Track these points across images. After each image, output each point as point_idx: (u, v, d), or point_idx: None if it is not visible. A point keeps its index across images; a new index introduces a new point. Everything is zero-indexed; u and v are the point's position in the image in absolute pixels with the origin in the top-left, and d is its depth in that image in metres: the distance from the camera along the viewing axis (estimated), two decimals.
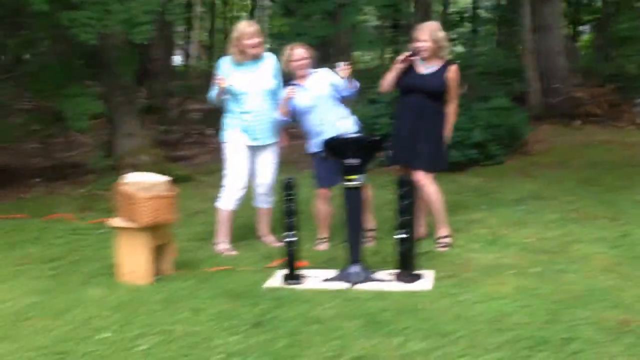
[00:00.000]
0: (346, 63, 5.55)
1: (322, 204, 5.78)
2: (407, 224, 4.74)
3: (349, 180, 4.81)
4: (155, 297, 4.63)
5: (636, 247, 5.48)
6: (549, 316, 4.17)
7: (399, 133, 5.76)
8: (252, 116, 5.71)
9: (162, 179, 4.92)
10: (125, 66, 8.44)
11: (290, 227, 4.82)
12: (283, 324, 4.13)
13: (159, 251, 5.05)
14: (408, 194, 4.73)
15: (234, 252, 5.72)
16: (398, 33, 16.29)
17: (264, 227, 6.07)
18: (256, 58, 5.73)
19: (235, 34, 5.69)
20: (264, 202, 5.95)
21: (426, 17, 15.81)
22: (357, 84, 5.70)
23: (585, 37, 21.25)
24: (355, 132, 5.51)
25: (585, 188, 7.81)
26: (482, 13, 16.79)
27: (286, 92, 5.58)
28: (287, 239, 4.83)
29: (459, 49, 15.30)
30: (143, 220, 4.76)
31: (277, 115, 5.70)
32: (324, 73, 5.69)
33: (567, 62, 12.56)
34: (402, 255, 4.79)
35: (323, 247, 5.79)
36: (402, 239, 4.76)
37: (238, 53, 5.69)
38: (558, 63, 12.34)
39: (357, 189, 4.84)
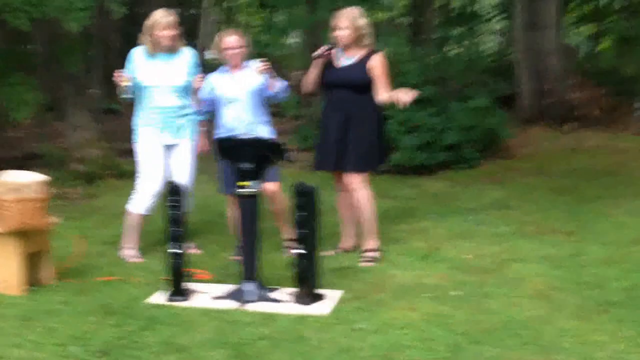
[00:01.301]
0: (263, 60, 4.99)
1: (234, 211, 5.22)
2: (305, 238, 4.16)
3: (242, 187, 4.23)
4: (15, 312, 4.10)
5: (582, 269, 4.86)
6: (448, 353, 3.58)
7: (325, 134, 5.19)
8: (162, 112, 5.17)
9: (35, 179, 4.38)
10: (69, 56, 7.92)
11: (175, 238, 4.26)
12: (135, 353, 3.58)
13: (34, 259, 4.52)
14: (306, 204, 4.15)
15: (139, 259, 5.19)
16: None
17: None
18: (171, 51, 5.18)
19: (149, 22, 5.13)
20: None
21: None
22: (284, 84, 5.13)
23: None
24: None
25: (555, 198, 7.18)
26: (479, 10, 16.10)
27: (196, 79, 5.02)
28: (172, 251, 4.27)
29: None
30: (8, 225, 4.22)
31: (192, 106, 5.17)
32: (254, 67, 5.09)
33: (561, 63, 11.83)
34: (299, 274, 4.22)
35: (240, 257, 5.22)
36: (299, 254, 4.18)
37: (150, 43, 5.14)
38: (551, 63, 11.63)
39: (251, 196, 4.26)
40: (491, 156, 9.28)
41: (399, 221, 6.24)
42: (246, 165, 4.20)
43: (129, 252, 5.24)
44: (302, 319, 4.00)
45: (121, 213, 6.47)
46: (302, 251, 4.15)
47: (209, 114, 5.25)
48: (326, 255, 5.20)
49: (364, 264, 5.02)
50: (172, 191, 4.26)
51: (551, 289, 4.47)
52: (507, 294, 4.38)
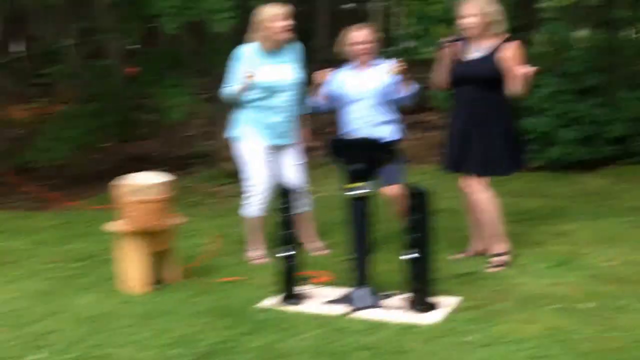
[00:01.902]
0: (399, 60, 4.79)
1: None
2: (418, 243, 3.96)
3: (353, 189, 4.10)
4: (137, 311, 4.25)
5: None
6: None
7: (451, 133, 4.92)
8: (279, 113, 5.12)
9: (158, 180, 4.51)
10: (218, 57, 8.13)
11: (285, 240, 4.21)
12: (233, 357, 3.57)
13: (159, 258, 4.66)
14: (418, 206, 3.94)
15: (265, 260, 5.21)
16: None
17: (307, 233, 5.49)
18: (284, 45, 5.12)
19: (261, 16, 5.04)
20: (299, 206, 5.35)
21: None
22: (415, 87, 4.93)
23: None
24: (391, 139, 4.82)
25: None
26: None
27: (320, 74, 4.91)
28: (283, 254, 4.23)
29: None
30: (132, 225, 4.38)
31: (312, 100, 5.08)
32: (388, 67, 4.88)
33: None
34: (411, 280, 4.03)
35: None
36: (411, 260, 3.99)
37: (265, 39, 5.07)
38: None
39: (361, 198, 4.11)
40: None
41: (544, 222, 5.83)
42: (356, 167, 4.06)
43: (254, 253, 5.27)
44: (409, 328, 3.81)
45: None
46: (415, 256, 3.95)
47: (328, 110, 5.13)
48: (454, 259, 4.98)
49: (490, 269, 4.72)
50: (282, 193, 4.21)
51: None
52: None
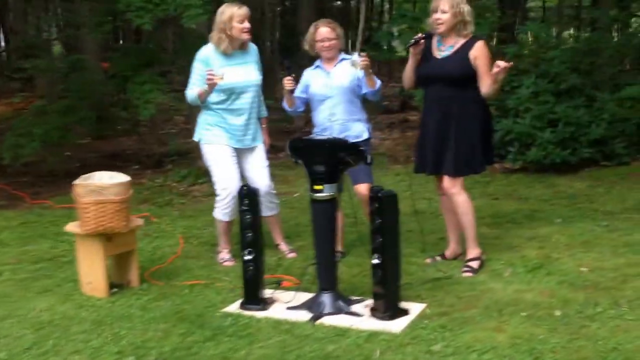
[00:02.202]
0: (362, 54, 4.66)
1: None
2: (382, 247, 3.83)
3: (316, 191, 3.96)
4: (93, 316, 4.10)
5: None
6: None
7: (424, 133, 4.79)
8: (241, 115, 4.98)
9: (116, 181, 4.35)
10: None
11: (248, 244, 4.07)
12: None
13: (119, 261, 4.51)
14: (383, 210, 3.80)
15: (231, 263, 5.06)
16: None
17: (276, 235, 5.36)
18: (243, 47, 4.99)
19: (223, 17, 4.87)
20: (268, 209, 5.21)
21: None
22: (379, 82, 4.80)
23: None
24: (362, 139, 4.71)
25: None
26: None
27: (286, 81, 4.78)
28: (245, 257, 4.09)
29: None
30: (86, 227, 4.22)
31: (285, 105, 4.96)
32: (352, 62, 4.75)
33: None
34: (377, 286, 3.89)
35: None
36: (377, 265, 3.86)
37: (224, 41, 4.90)
38: None
39: (326, 201, 3.97)
40: None
41: (519, 226, 5.72)
42: (316, 168, 3.91)
43: (223, 255, 5.13)
44: (373, 336, 3.68)
45: None
46: (377, 261, 3.82)
47: (301, 109, 5.01)
48: (430, 262, 4.86)
49: (464, 274, 4.60)
50: (244, 195, 4.06)
51: None
52: (619, 317, 3.81)
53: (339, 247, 5.06)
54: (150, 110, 7.75)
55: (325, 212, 3.97)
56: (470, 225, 4.70)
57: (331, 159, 3.91)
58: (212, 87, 4.81)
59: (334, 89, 4.79)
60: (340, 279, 4.52)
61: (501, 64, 4.34)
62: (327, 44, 4.80)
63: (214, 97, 4.94)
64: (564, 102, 7.88)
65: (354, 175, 4.72)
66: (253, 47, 5.09)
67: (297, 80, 4.88)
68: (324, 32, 4.81)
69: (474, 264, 4.66)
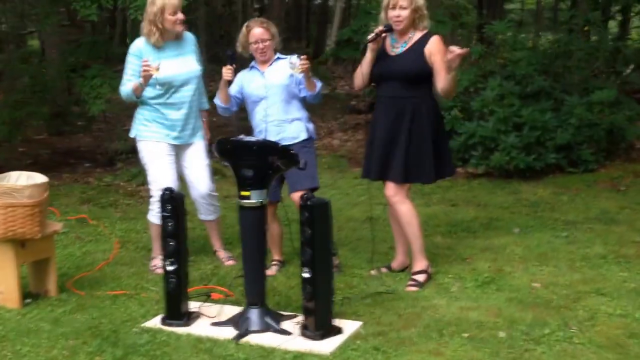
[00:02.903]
0: (302, 57, 4.33)
1: (270, 222, 4.65)
2: (313, 260, 3.51)
3: (243, 197, 3.63)
4: None
5: None
6: None
7: (372, 135, 4.48)
8: (179, 109, 4.66)
9: (32, 182, 3.99)
10: None
11: (170, 253, 3.74)
12: None
13: (36, 268, 4.16)
14: (313, 220, 3.49)
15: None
16: None
17: (215, 241, 5.04)
18: (178, 38, 4.66)
19: (155, 7, 4.53)
20: (207, 213, 4.89)
21: None
22: (320, 85, 4.49)
23: None
24: (299, 139, 4.41)
25: None
26: None
27: (225, 71, 4.44)
28: (167, 268, 3.75)
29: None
30: None
31: (218, 102, 4.64)
32: (291, 63, 4.42)
33: None
34: (307, 302, 3.57)
35: (271, 272, 4.65)
36: (305, 279, 3.54)
37: (158, 32, 4.58)
38: None
39: (254, 209, 3.64)
40: (614, 159, 8.10)
41: (474, 235, 5.42)
42: (247, 173, 3.58)
43: (156, 262, 4.79)
44: (300, 357, 3.37)
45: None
46: (307, 275, 3.50)
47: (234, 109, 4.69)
48: (375, 274, 4.56)
49: (408, 288, 4.29)
50: (166, 200, 3.72)
51: (630, 336, 3.56)
52: (568, 340, 3.53)
53: (277, 256, 4.76)
54: (99, 106, 7.42)
55: (253, 220, 3.64)
56: (415, 236, 4.39)
57: (260, 163, 3.57)
58: (147, 79, 4.49)
59: (267, 88, 4.47)
60: (275, 291, 4.25)
61: (455, 49, 4.03)
62: (261, 45, 4.49)
63: (150, 92, 4.62)
64: (530, 105, 7.61)
65: (292, 180, 4.41)
66: (189, 37, 4.77)
67: (236, 72, 4.56)
68: (257, 33, 4.49)
69: (420, 278, 4.36)
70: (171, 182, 4.55)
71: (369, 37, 4.33)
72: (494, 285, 4.31)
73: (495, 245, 5.13)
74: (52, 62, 9.73)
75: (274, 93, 4.46)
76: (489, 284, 4.33)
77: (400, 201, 4.33)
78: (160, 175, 4.66)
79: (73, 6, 6.67)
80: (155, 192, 4.66)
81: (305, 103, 4.65)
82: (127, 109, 9.33)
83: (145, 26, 4.58)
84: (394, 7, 4.29)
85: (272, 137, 4.44)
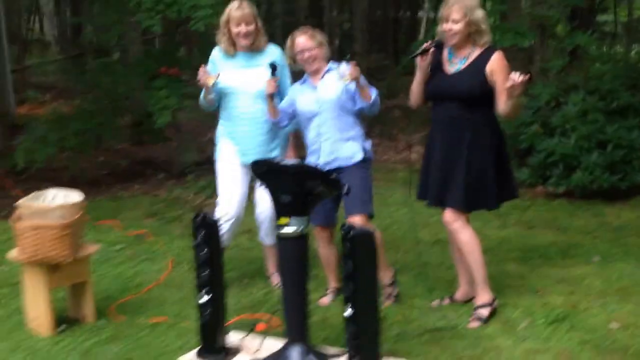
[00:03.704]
0: (351, 62, 3.97)
1: (321, 247, 4.34)
2: (355, 297, 3.17)
3: (281, 226, 3.31)
4: None
5: None
6: None
7: (428, 158, 4.12)
8: (244, 124, 4.41)
9: (65, 202, 3.80)
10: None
11: (202, 283, 3.46)
12: None
13: (72, 293, 3.96)
14: (355, 252, 3.15)
15: None
16: None
17: (271, 264, 4.76)
18: (251, 50, 4.41)
19: (223, 17, 4.39)
20: (267, 236, 4.61)
21: None
22: (374, 93, 4.11)
23: None
24: (355, 161, 4.09)
25: None
26: None
27: (269, 83, 4.15)
28: (200, 300, 3.48)
29: None
30: (22, 255, 3.68)
31: (267, 115, 4.35)
32: (340, 73, 4.08)
33: None
34: (350, 341, 3.24)
35: (326, 300, 4.34)
36: (348, 318, 3.20)
37: (227, 42, 4.40)
38: None
39: (293, 239, 3.32)
40: None
41: (550, 263, 4.96)
42: (285, 198, 3.27)
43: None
44: None
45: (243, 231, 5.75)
46: (350, 313, 3.17)
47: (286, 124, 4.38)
48: (436, 305, 4.19)
49: (471, 324, 3.90)
50: (199, 226, 3.44)
51: None
52: None
53: (333, 283, 4.44)
54: (166, 118, 7.29)
55: (292, 251, 3.32)
56: (478, 266, 4.00)
57: (298, 189, 3.26)
58: (205, 87, 4.33)
59: (320, 103, 4.14)
60: (326, 323, 3.93)
61: (515, 77, 3.64)
62: (306, 54, 4.14)
63: (222, 102, 4.47)
64: (616, 122, 7.04)
65: (346, 205, 4.08)
66: (272, 49, 4.49)
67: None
68: (301, 42, 4.16)
69: (483, 312, 3.96)
70: (234, 207, 4.38)
71: (416, 52, 3.98)
72: (567, 323, 3.87)
73: (572, 276, 4.66)
74: (132, 71, 9.73)
75: (327, 109, 4.13)
76: (562, 322, 3.89)
77: (460, 228, 3.95)
78: (224, 197, 4.46)
79: (136, 18, 6.55)
80: (218, 214, 4.42)
81: (364, 117, 4.31)
82: (208, 118, 9.26)
83: (219, 32, 4.44)
84: (446, 20, 3.93)
85: (325, 157, 4.12)
